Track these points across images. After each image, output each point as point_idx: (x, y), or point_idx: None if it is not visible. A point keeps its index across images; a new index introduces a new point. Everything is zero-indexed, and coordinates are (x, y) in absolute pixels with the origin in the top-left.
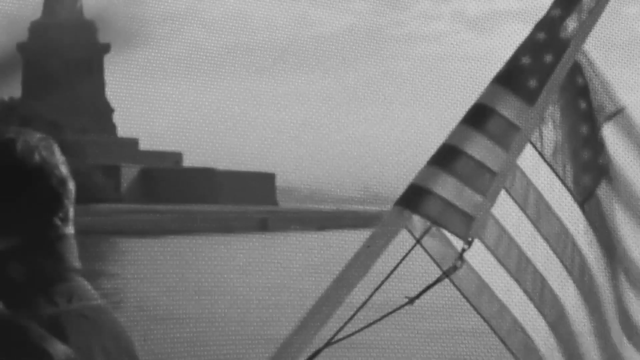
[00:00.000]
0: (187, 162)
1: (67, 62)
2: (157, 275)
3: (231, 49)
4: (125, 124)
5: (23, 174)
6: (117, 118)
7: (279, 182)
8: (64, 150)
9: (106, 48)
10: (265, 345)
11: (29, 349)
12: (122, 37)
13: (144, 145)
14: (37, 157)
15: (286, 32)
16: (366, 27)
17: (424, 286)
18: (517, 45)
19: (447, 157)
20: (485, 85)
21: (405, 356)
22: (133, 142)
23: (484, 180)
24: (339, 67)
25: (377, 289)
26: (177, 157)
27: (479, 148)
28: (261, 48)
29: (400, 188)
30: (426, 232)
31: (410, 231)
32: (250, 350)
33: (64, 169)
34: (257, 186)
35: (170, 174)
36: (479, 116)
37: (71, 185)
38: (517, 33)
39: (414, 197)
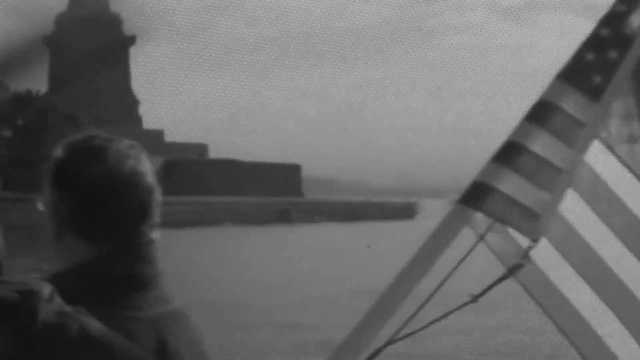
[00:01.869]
0: (212, 154)
1: (92, 55)
2: (178, 266)
3: (266, 41)
4: (150, 116)
5: (114, 182)
6: (142, 110)
7: (311, 173)
8: None
9: (132, 40)
10: (288, 331)
11: (90, 341)
12: (148, 29)
13: (169, 137)
14: (127, 165)
15: (322, 24)
16: (401, 18)
17: (486, 284)
18: (556, 35)
19: (511, 154)
20: (522, 75)
21: None
22: (158, 134)
23: (550, 177)
24: (374, 58)
25: (439, 286)
26: (202, 148)
27: (544, 145)
28: (296, 39)
29: (434, 179)
30: (489, 229)
31: (473, 228)
32: (271, 336)
33: (151, 177)
34: (283, 178)
35: (195, 166)
36: (543, 113)
37: (158, 194)
38: (553, 23)
39: (477, 195)
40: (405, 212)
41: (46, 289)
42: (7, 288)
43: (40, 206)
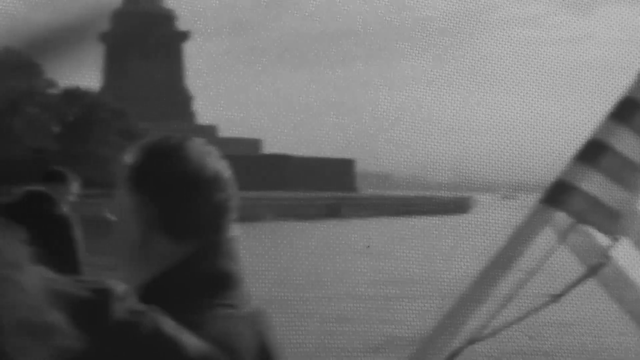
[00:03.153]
0: (266, 149)
1: (146, 50)
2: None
3: (323, 36)
4: (204, 112)
5: (198, 180)
6: (196, 105)
7: (367, 168)
8: (133, 137)
9: (186, 36)
10: (335, 324)
11: (163, 340)
12: (203, 25)
13: (222, 133)
14: (208, 163)
15: (380, 19)
16: (460, 11)
17: (566, 283)
18: (616, 28)
19: (593, 152)
20: (584, 68)
21: None
22: (212, 129)
23: (632, 176)
24: (432, 52)
25: (521, 285)
26: (255, 144)
27: (627, 143)
28: (357, 34)
29: (491, 174)
30: (571, 228)
31: (554, 228)
32: (320, 329)
33: (228, 174)
34: (335, 172)
35: (248, 161)
36: (627, 111)
37: (235, 190)
38: (615, 14)
39: (559, 194)
40: (459, 206)
41: (120, 288)
42: (81, 286)
43: (111, 216)
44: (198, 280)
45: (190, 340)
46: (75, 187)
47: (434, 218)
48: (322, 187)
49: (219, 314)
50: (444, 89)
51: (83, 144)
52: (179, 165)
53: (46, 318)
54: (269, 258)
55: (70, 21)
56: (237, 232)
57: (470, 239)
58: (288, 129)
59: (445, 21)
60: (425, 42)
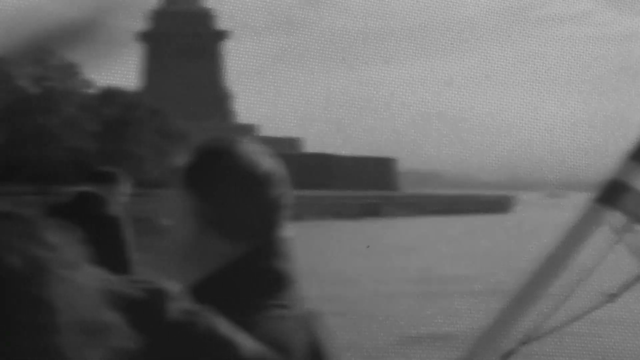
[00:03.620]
0: (307, 147)
1: (186, 49)
2: None
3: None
4: (244, 110)
5: (252, 180)
6: (236, 104)
7: (413, 166)
8: (169, 137)
9: (225, 35)
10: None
11: (218, 340)
12: (243, 23)
13: (263, 131)
14: (260, 163)
15: (425, 16)
16: (507, 8)
17: (622, 283)
18: None
19: None
20: (631, 66)
21: None
22: (252, 128)
23: None
24: (478, 49)
25: (576, 286)
26: (296, 142)
27: None
28: (399, 32)
29: (538, 172)
30: (626, 228)
31: (609, 227)
32: (353, 327)
33: (280, 173)
34: (377, 171)
35: (288, 160)
36: None
37: (288, 189)
38: None
39: (614, 193)
40: (501, 205)
41: (175, 288)
42: (136, 287)
43: (165, 217)
44: (251, 281)
45: (244, 341)
46: (126, 187)
47: (477, 217)
48: (363, 186)
49: (272, 314)
50: (487, 87)
51: (120, 143)
52: (231, 165)
53: (103, 318)
54: (308, 257)
55: (84, 14)
56: (291, 232)
57: (514, 238)
58: (329, 127)
59: (489, 19)
60: (469, 40)
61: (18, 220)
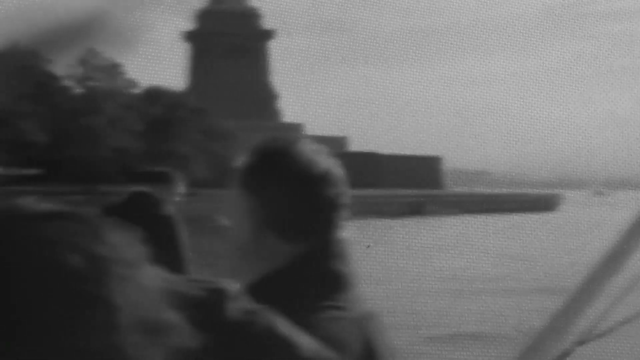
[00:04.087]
0: (353, 146)
1: (231, 49)
2: None
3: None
4: (290, 109)
5: (311, 181)
6: (281, 103)
7: (461, 165)
8: (213, 136)
9: (270, 34)
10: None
11: (277, 339)
12: (289, 23)
13: (308, 131)
14: (320, 164)
15: (473, 14)
16: (560, 4)
17: None
18: None
19: None
20: None
21: None
22: (297, 127)
23: None
24: (527, 48)
25: (632, 285)
26: (341, 141)
27: None
28: (446, 31)
29: (586, 171)
30: None
31: None
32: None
33: (338, 174)
34: (421, 170)
35: (334, 159)
36: None
37: (345, 189)
38: None
39: None
40: (547, 203)
41: (234, 288)
42: (195, 286)
43: (225, 221)
44: (309, 282)
45: (304, 340)
46: (180, 187)
47: (522, 215)
48: (407, 184)
49: (329, 315)
50: (537, 85)
51: (164, 143)
52: (288, 166)
53: (164, 317)
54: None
55: (76, 17)
56: (349, 233)
57: (559, 236)
58: (374, 126)
59: (538, 16)
60: (518, 37)
61: (79, 220)
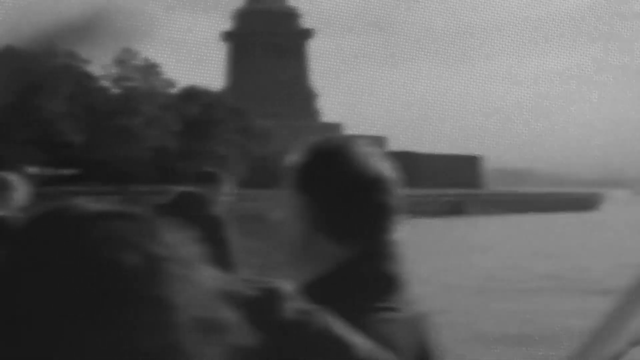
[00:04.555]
0: (392, 146)
1: (270, 48)
2: None
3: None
4: (329, 109)
5: (364, 181)
6: (321, 103)
7: (505, 165)
8: (251, 136)
9: (310, 33)
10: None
11: (332, 339)
12: (328, 22)
13: (347, 130)
14: (373, 164)
15: (518, 12)
16: (611, 1)
17: None
18: None
19: None
20: None
21: None
22: (336, 127)
23: None
24: (574, 45)
25: None
26: (380, 141)
27: None
28: (490, 29)
29: (630, 170)
30: None
31: None
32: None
33: (392, 176)
34: (461, 169)
35: None
36: None
37: (399, 191)
38: None
39: None
40: (589, 202)
41: (289, 287)
42: (250, 286)
43: (276, 216)
44: (362, 283)
45: (358, 340)
46: (228, 187)
47: (563, 214)
48: (448, 184)
49: (382, 317)
50: (584, 84)
51: (202, 142)
52: (343, 167)
53: (220, 316)
54: None
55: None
56: (402, 233)
57: (600, 235)
58: (414, 125)
59: (588, 13)
60: (564, 35)
61: (136, 219)
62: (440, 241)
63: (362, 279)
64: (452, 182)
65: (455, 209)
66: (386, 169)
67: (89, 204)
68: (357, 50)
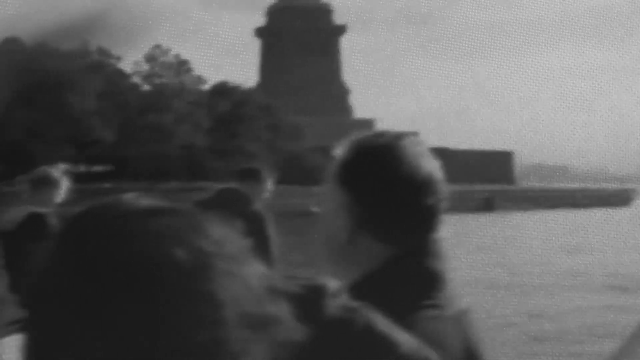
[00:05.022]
0: (427, 142)
1: (303, 45)
2: None
3: (493, 26)
4: (362, 105)
5: (409, 179)
6: (353, 99)
7: (543, 160)
8: (281, 132)
9: (342, 30)
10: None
11: (377, 337)
12: (361, 18)
13: (380, 126)
14: (419, 162)
15: (557, 6)
16: None
17: None
18: None
19: None
20: None
21: None
22: (369, 123)
23: None
24: (607, 41)
25: None
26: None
27: None
28: (527, 23)
29: None
30: None
31: None
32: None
33: (440, 177)
34: (493, 165)
35: None
36: None
37: (445, 192)
38: None
39: None
40: (621, 198)
41: (333, 285)
42: (293, 283)
43: (317, 208)
44: (406, 282)
45: (404, 338)
46: (269, 184)
47: (595, 210)
48: (479, 180)
49: (427, 315)
50: (618, 79)
51: (232, 139)
52: (390, 166)
53: (268, 311)
54: None
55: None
56: (445, 232)
57: (632, 232)
58: (446, 121)
59: (623, 8)
60: (602, 30)
61: (184, 215)
62: (469, 237)
63: (408, 277)
64: (484, 178)
65: (487, 205)
66: (435, 169)
67: (138, 199)
68: (389, 46)
